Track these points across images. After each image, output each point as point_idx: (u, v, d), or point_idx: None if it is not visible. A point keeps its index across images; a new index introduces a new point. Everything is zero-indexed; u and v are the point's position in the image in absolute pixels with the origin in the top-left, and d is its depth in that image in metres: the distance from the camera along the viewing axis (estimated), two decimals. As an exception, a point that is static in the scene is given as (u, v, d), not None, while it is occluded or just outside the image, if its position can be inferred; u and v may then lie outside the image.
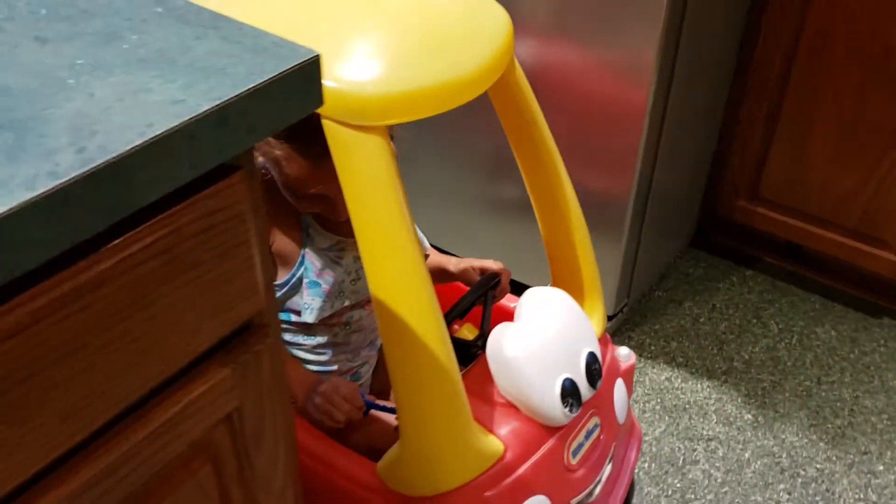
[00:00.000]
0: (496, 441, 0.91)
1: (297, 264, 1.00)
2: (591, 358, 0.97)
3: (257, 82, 0.46)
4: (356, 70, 0.76)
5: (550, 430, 0.95)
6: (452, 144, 1.55)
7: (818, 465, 1.41)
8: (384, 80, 0.76)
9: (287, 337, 1.06)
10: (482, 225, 1.61)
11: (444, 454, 0.88)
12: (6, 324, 0.40)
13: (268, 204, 0.93)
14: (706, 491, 1.36)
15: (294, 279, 1.01)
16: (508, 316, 1.02)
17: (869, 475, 1.40)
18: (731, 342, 1.65)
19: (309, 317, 1.02)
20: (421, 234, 1.14)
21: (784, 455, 1.42)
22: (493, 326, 0.98)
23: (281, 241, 1.00)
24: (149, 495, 0.54)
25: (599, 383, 0.99)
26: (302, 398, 0.97)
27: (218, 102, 0.45)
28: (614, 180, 1.41)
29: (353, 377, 1.12)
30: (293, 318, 1.04)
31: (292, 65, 0.48)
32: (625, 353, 1.13)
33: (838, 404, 1.52)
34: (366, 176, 0.78)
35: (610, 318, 1.59)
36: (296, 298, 1.03)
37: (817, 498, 1.36)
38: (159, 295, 0.48)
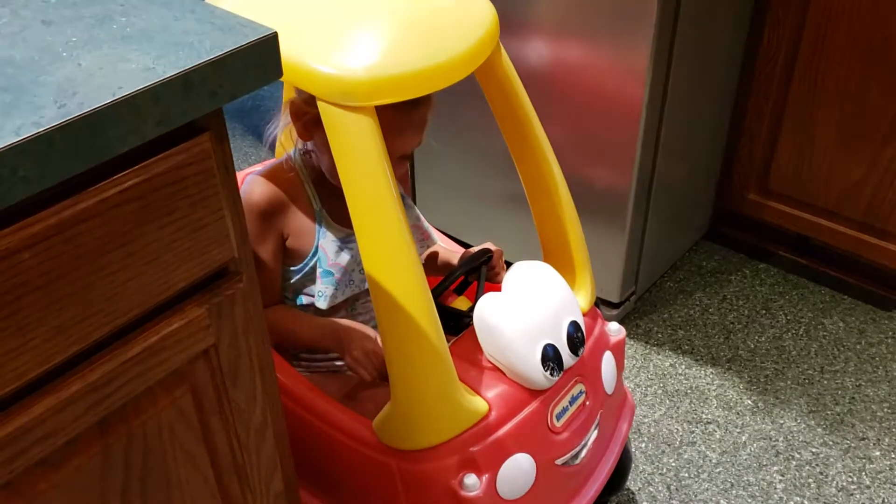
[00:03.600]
0: (481, 401, 0.99)
1: (310, 254, 1.09)
2: (573, 327, 1.04)
3: (218, 54, 0.55)
4: (347, 57, 0.86)
5: (534, 393, 1.02)
6: (467, 142, 1.63)
7: (814, 450, 1.44)
8: (371, 65, 0.85)
9: None
10: (494, 216, 1.69)
11: (431, 411, 0.96)
12: (2, 246, 0.49)
13: (291, 199, 1.07)
14: (700, 471, 1.40)
15: (307, 268, 1.10)
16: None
17: (864, 460, 1.43)
18: (738, 332, 1.68)
19: (322, 303, 1.10)
20: (430, 228, 1.22)
21: (781, 439, 1.46)
22: None
23: (297, 233, 1.09)
24: (135, 412, 0.63)
25: (582, 351, 1.06)
26: (345, 346, 1.06)
27: (182, 70, 0.53)
28: (615, 172, 1.47)
29: None
30: (304, 300, 1.13)
31: (250, 40, 0.57)
32: (615, 328, 1.19)
33: (839, 392, 1.55)
34: (356, 151, 0.87)
35: (616, 306, 1.64)
36: (310, 285, 1.12)
37: (810, 480, 1.39)
38: (137, 234, 0.57)
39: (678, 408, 1.52)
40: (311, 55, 0.85)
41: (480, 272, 1.15)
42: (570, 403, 1.06)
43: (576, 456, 1.07)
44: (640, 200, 1.53)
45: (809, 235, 1.75)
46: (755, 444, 1.45)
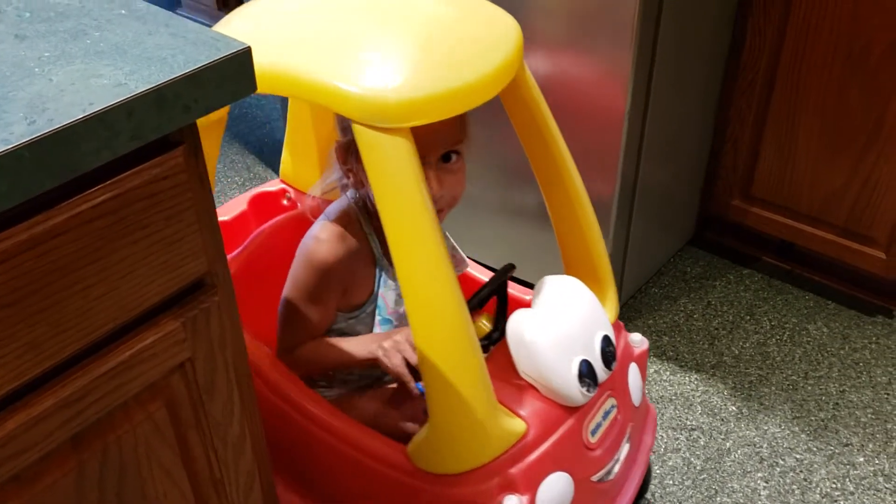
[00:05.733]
0: (518, 421, 0.96)
1: (367, 301, 1.09)
2: (606, 341, 1.03)
3: (191, 69, 0.55)
4: (381, 78, 0.84)
5: (569, 410, 1.00)
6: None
7: (798, 456, 1.45)
8: (405, 86, 0.83)
9: None
10: (499, 231, 1.69)
11: (470, 433, 0.93)
12: (-28, 264, 0.49)
13: (355, 250, 1.06)
14: (684, 477, 1.41)
15: (363, 314, 1.10)
16: (522, 306, 1.09)
17: (848, 466, 1.43)
18: (723, 338, 1.69)
19: None
20: (455, 244, 1.19)
21: (765, 445, 1.47)
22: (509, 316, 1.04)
23: (357, 285, 1.08)
24: (110, 428, 0.63)
25: (614, 365, 1.04)
26: (379, 341, 1.04)
27: (155, 85, 0.53)
28: (598, 179, 1.47)
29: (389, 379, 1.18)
30: None
31: (224, 55, 0.57)
32: (638, 339, 1.17)
33: (823, 398, 1.56)
34: (392, 173, 0.85)
35: (601, 313, 1.65)
36: (359, 328, 1.11)
37: (794, 486, 1.40)
38: (111, 249, 0.57)
39: (663, 414, 1.53)
40: (342, 77, 0.83)
41: (503, 288, 1.11)
42: (604, 418, 1.05)
43: (609, 471, 1.06)
44: (624, 207, 1.53)
45: (793, 241, 1.76)
46: (739, 451, 1.46)
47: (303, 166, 1.37)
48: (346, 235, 1.05)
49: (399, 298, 1.08)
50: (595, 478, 1.04)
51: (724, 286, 1.82)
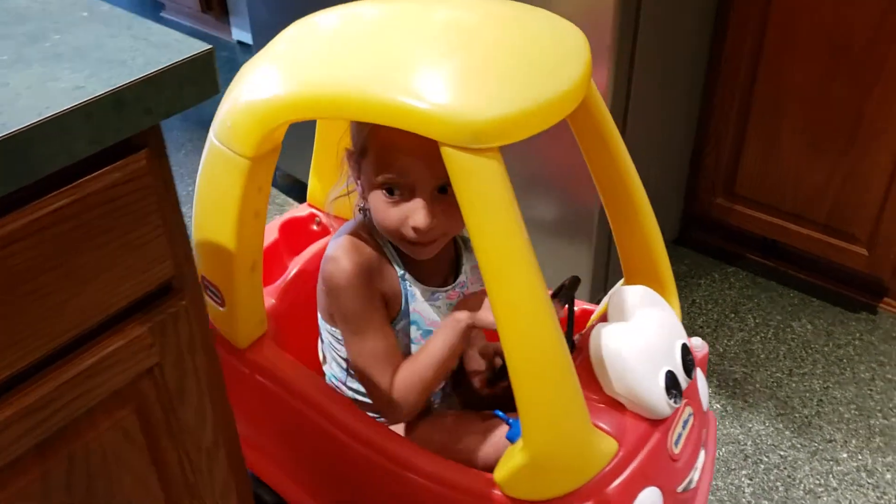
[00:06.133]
0: (609, 439, 0.94)
1: (398, 318, 1.03)
2: (685, 349, 1.01)
3: (151, 71, 0.54)
4: (468, 97, 0.79)
5: (654, 422, 0.97)
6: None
7: (782, 453, 1.45)
8: (495, 103, 0.78)
9: None
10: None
11: (569, 456, 0.90)
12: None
13: (378, 263, 1.00)
14: (669, 475, 1.41)
15: (395, 330, 1.04)
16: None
17: (832, 462, 1.44)
18: (708, 335, 1.69)
19: None
20: None
21: (749, 443, 1.47)
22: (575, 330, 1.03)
23: (388, 298, 1.02)
24: (76, 435, 0.62)
25: (694, 373, 1.03)
26: (470, 319, 0.97)
27: (114, 88, 0.52)
28: (580, 177, 1.47)
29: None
30: None
31: (184, 57, 0.56)
32: (699, 343, 1.14)
33: (807, 395, 1.56)
34: (487, 197, 0.80)
35: (585, 312, 1.64)
36: None
37: (778, 483, 1.40)
38: (73, 255, 0.56)
39: (648, 413, 1.52)
40: (427, 99, 0.78)
41: (571, 302, 1.07)
42: (683, 427, 1.02)
43: (691, 480, 1.05)
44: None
45: (777, 239, 1.77)
46: (724, 449, 1.46)
47: (332, 189, 1.29)
48: (360, 244, 0.99)
49: (432, 310, 1.03)
50: (680, 489, 1.02)
51: (709, 284, 1.82)
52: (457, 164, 0.79)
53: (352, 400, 1.07)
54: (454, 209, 0.91)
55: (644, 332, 0.97)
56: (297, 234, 1.33)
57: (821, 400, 1.55)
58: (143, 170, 0.58)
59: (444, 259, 1.06)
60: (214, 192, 0.97)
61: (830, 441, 1.47)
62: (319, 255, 1.20)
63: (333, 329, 1.05)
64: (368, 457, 1.01)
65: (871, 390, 1.58)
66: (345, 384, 1.09)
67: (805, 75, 1.54)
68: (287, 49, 0.93)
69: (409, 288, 1.02)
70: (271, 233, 1.32)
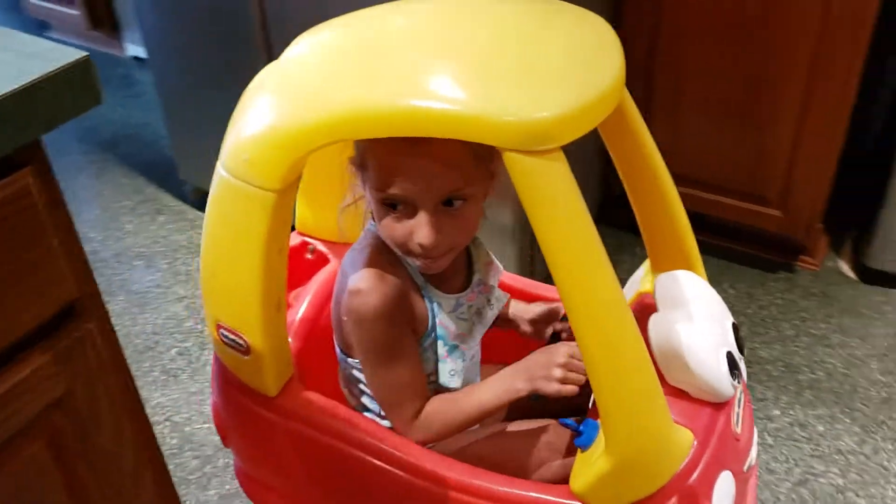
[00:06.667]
0: (685, 430, 0.91)
1: (425, 335, 0.97)
2: (735, 327, 1.00)
3: (23, 83, 0.51)
4: (524, 98, 0.75)
5: (718, 406, 0.95)
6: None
7: (717, 416, 1.48)
8: (554, 102, 0.75)
9: None
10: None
11: (653, 455, 0.87)
12: None
13: (395, 285, 0.92)
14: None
15: (421, 349, 0.98)
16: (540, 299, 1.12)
17: (765, 420, 1.47)
18: (636, 310, 1.72)
19: (456, 382, 0.99)
20: (489, 251, 1.11)
21: (685, 410, 1.49)
22: None
23: (416, 318, 0.97)
24: (-17, 475, 0.59)
25: (745, 350, 1.02)
26: (531, 387, 0.93)
27: (-16, 103, 0.50)
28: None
29: None
30: None
31: (60, 66, 0.53)
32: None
33: (736, 357, 1.60)
34: (555, 198, 0.77)
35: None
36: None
37: (716, 446, 1.43)
38: (-44, 285, 0.53)
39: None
40: (479, 103, 0.74)
41: None
42: (738, 406, 1.01)
43: (751, 458, 1.04)
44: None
45: (692, 209, 1.80)
46: (661, 418, 1.48)
47: (324, 213, 1.20)
48: (383, 273, 0.93)
49: (458, 320, 0.99)
50: (745, 467, 1.01)
51: (631, 260, 1.85)
52: (522, 169, 0.75)
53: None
54: (462, 221, 0.88)
55: (700, 318, 0.96)
56: (291, 265, 1.15)
57: (749, 361, 1.59)
58: (26, 189, 0.55)
59: (458, 260, 1.00)
60: (233, 232, 0.89)
61: (762, 400, 1.51)
62: (329, 285, 1.13)
63: (356, 361, 1.00)
64: (428, 489, 0.96)
65: (796, 347, 1.62)
66: (380, 415, 1.03)
67: (702, 53, 1.58)
68: (302, 69, 0.86)
69: (433, 301, 0.97)
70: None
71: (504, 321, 1.13)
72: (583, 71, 0.80)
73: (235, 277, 0.91)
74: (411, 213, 0.86)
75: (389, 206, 0.87)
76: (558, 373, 0.91)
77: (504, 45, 0.82)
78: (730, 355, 0.95)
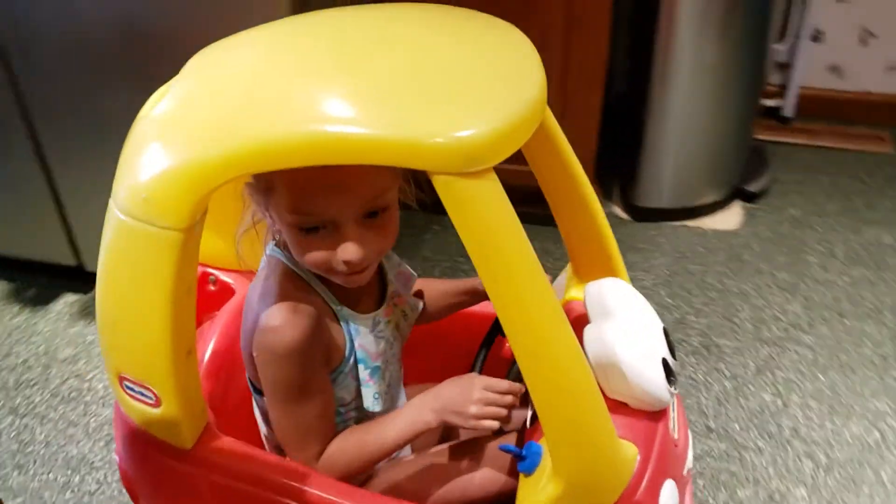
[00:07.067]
0: (629, 444, 0.90)
1: (343, 360, 0.94)
2: (665, 332, 0.98)
3: None
4: (452, 118, 0.71)
5: (656, 414, 0.95)
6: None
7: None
8: (483, 120, 0.72)
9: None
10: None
11: (602, 474, 0.86)
12: None
13: (309, 317, 0.87)
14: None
15: (341, 375, 0.95)
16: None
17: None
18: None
19: (378, 405, 0.95)
20: (399, 259, 1.08)
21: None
22: None
23: (330, 346, 0.93)
24: None
25: (677, 353, 1.00)
26: (441, 419, 0.90)
27: None
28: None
29: None
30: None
31: None
32: None
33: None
34: (492, 221, 0.74)
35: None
36: (341, 393, 0.96)
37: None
38: None
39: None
40: (404, 126, 0.70)
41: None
42: (673, 411, 1.00)
43: (688, 461, 1.04)
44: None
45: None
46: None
47: (219, 241, 1.11)
48: (297, 305, 0.88)
49: (376, 340, 0.96)
50: (685, 471, 1.01)
51: (433, 237, 1.90)
52: (454, 192, 0.72)
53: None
54: (384, 229, 0.86)
55: (634, 327, 0.96)
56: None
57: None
58: None
59: (372, 277, 0.97)
60: (135, 277, 0.82)
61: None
62: (237, 318, 1.07)
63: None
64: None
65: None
66: None
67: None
68: (202, 96, 0.80)
69: (349, 324, 0.93)
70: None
71: (456, 299, 1.13)
72: (507, 87, 0.78)
73: (141, 326, 0.84)
74: (331, 231, 0.83)
75: (307, 229, 0.83)
76: (473, 409, 0.89)
77: (423, 63, 0.78)
78: (665, 362, 0.95)
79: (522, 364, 0.79)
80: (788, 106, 2.65)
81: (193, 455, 0.94)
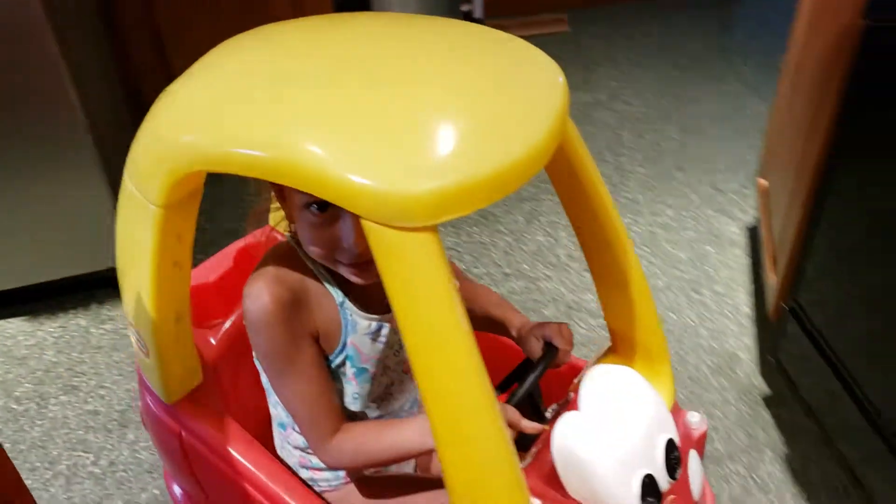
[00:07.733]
0: None
1: (335, 353, 0.93)
2: (670, 446, 0.83)
3: None
4: (396, 164, 0.63)
5: None
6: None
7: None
8: (431, 173, 0.62)
9: None
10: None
11: None
12: None
13: (309, 293, 0.88)
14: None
15: (332, 368, 0.94)
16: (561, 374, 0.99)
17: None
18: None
19: (357, 405, 0.95)
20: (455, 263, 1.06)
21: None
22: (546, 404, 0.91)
23: (324, 331, 0.91)
24: None
25: (679, 472, 0.87)
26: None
27: None
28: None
29: None
30: None
31: None
32: (697, 420, 0.99)
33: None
34: (419, 282, 0.66)
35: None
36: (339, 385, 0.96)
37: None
38: None
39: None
40: (336, 160, 0.63)
41: (536, 378, 0.92)
42: None
43: None
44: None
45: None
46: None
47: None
48: (283, 274, 0.88)
49: (373, 342, 0.93)
50: None
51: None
52: (384, 243, 0.65)
53: (291, 460, 1.03)
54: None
55: (618, 430, 0.82)
56: (256, 262, 1.00)
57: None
58: None
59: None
60: (130, 239, 0.85)
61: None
62: None
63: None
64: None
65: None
66: (294, 429, 1.01)
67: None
68: (198, 89, 0.78)
69: (349, 318, 0.91)
70: (225, 262, 1.15)
71: (488, 323, 1.06)
72: (487, 137, 0.66)
73: (133, 283, 0.88)
74: (341, 214, 0.81)
75: (316, 206, 0.81)
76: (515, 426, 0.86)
77: (415, 96, 0.69)
78: (650, 479, 0.83)
79: (435, 424, 0.72)
80: (477, 8, 3.01)
81: (171, 409, 1.01)
